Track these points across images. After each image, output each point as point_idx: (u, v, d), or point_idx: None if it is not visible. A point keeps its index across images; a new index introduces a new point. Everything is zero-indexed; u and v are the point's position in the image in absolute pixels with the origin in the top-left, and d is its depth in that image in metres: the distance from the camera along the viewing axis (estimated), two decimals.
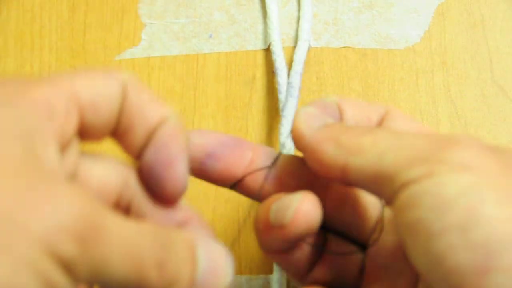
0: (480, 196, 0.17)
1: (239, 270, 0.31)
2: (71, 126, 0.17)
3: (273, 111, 0.33)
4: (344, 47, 0.34)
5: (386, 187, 0.19)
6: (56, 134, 0.17)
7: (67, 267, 0.14)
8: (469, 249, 0.16)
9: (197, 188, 0.32)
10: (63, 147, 0.17)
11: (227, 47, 0.35)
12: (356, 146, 0.20)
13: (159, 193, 0.20)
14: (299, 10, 0.35)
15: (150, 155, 0.19)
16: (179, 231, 0.19)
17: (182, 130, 0.20)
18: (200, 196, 0.32)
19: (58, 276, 0.14)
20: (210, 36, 0.35)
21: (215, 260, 0.19)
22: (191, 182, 0.33)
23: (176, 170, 0.20)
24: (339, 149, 0.21)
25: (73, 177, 0.18)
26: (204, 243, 0.19)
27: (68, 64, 0.35)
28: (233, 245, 0.31)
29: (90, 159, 0.19)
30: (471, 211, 0.17)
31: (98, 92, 0.18)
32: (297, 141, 0.23)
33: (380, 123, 0.23)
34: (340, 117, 0.23)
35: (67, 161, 0.18)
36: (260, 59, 0.34)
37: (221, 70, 0.34)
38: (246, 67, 0.34)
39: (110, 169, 0.20)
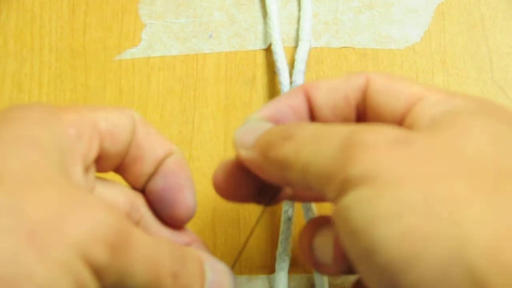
0: (372, 216, 0.16)
1: (239, 270, 0.31)
2: (94, 150, 0.19)
3: None
4: (344, 47, 0.34)
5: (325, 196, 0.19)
6: (82, 156, 0.19)
7: (98, 272, 0.16)
8: (375, 275, 0.16)
9: (197, 188, 0.32)
10: (86, 170, 0.19)
11: (227, 47, 0.35)
12: (282, 160, 0.19)
13: (169, 216, 0.22)
14: (299, 10, 0.35)
15: (159, 182, 0.22)
16: (189, 248, 0.21)
17: (186, 162, 0.23)
18: (200, 196, 0.32)
19: (89, 279, 0.15)
20: (210, 36, 0.35)
21: (220, 275, 0.21)
22: None
23: (186, 196, 0.22)
24: (271, 166, 0.20)
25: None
26: (210, 260, 0.21)
27: (68, 64, 0.35)
28: (233, 245, 0.31)
29: (101, 183, 0.21)
30: (368, 237, 0.16)
31: (115, 123, 0.20)
32: (241, 162, 0.23)
33: (363, 99, 0.22)
34: (309, 108, 0.23)
35: (87, 183, 0.20)
36: (260, 59, 0.34)
37: (221, 70, 0.34)
38: (246, 67, 0.34)
39: (119, 192, 0.22)
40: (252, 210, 0.31)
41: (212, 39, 0.35)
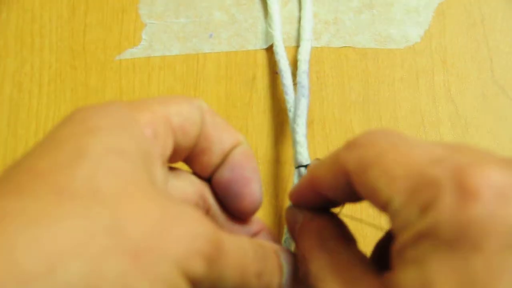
0: None
1: None
2: (169, 147, 0.19)
3: (273, 110, 0.33)
4: (344, 46, 0.34)
5: None
6: (160, 155, 0.19)
7: (195, 283, 0.16)
8: None
9: None
10: (163, 167, 0.19)
11: (227, 47, 0.35)
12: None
13: (236, 208, 0.22)
14: (299, 9, 0.35)
15: (226, 174, 0.22)
16: (267, 243, 0.21)
17: (252, 153, 0.23)
18: None
19: None
20: (210, 36, 0.35)
21: (294, 265, 0.21)
22: None
23: (253, 188, 0.22)
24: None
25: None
26: (283, 251, 0.21)
27: (68, 64, 0.35)
28: None
29: (172, 174, 0.21)
30: None
31: (186, 117, 0.20)
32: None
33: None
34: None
35: (165, 180, 0.20)
36: (260, 59, 0.34)
37: (221, 70, 0.34)
38: (246, 67, 0.34)
39: (188, 182, 0.22)
40: None
41: (212, 39, 0.35)
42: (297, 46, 0.34)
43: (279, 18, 0.34)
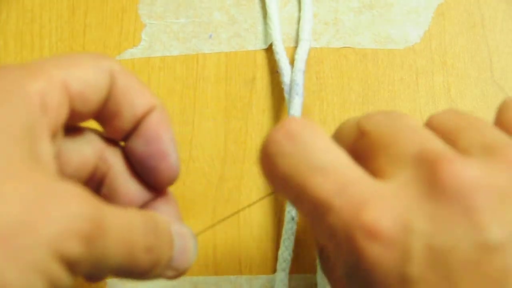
0: None
1: (239, 270, 0.31)
2: (63, 117, 0.18)
3: (273, 111, 0.33)
4: (344, 47, 0.34)
5: None
6: (50, 127, 0.17)
7: (73, 266, 0.15)
8: None
9: (197, 188, 0.32)
10: (54, 136, 0.18)
11: (227, 47, 0.35)
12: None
13: (151, 180, 0.21)
14: (299, 10, 0.35)
15: (141, 147, 0.21)
16: (158, 216, 0.20)
17: (168, 119, 0.21)
18: (200, 196, 0.32)
19: (63, 275, 0.15)
20: (210, 36, 0.35)
21: (185, 240, 0.20)
22: (191, 182, 0.33)
23: (169, 161, 0.21)
24: None
25: (57, 157, 0.19)
26: (177, 225, 0.20)
27: None
28: (233, 245, 0.31)
29: (69, 137, 0.20)
30: None
31: (88, 83, 0.19)
32: None
33: None
34: None
35: (54, 148, 0.18)
36: (260, 59, 0.34)
37: (221, 70, 0.34)
38: (246, 67, 0.34)
39: (86, 143, 0.21)
40: (252, 211, 0.32)
41: (212, 39, 0.35)
42: (296, 47, 0.34)
43: (277, 18, 0.34)
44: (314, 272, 0.29)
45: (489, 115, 0.32)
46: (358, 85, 0.33)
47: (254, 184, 0.32)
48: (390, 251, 0.15)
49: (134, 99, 0.20)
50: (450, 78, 0.33)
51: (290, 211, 0.29)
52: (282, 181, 0.18)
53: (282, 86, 0.32)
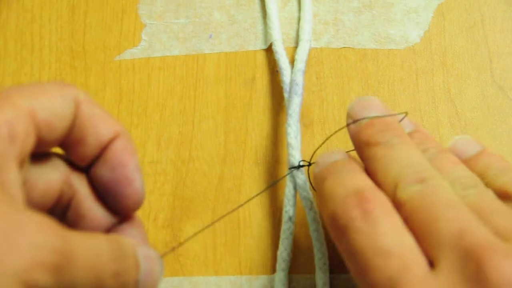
0: None
1: (239, 270, 0.31)
2: (29, 146, 0.18)
3: (273, 111, 0.33)
4: (344, 47, 0.34)
5: None
6: (17, 156, 0.18)
7: None
8: None
9: (197, 188, 0.32)
10: (21, 165, 0.18)
11: (227, 47, 0.35)
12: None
13: (117, 206, 0.22)
14: (299, 10, 0.35)
15: (106, 174, 0.21)
16: (124, 239, 0.20)
17: (134, 146, 0.22)
18: (200, 196, 0.32)
19: None
20: (210, 36, 0.35)
21: (151, 262, 0.21)
22: (191, 183, 0.33)
23: (135, 187, 0.21)
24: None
25: (23, 184, 0.19)
26: (141, 247, 0.20)
27: (68, 64, 0.35)
28: (233, 245, 0.31)
29: (35, 163, 0.20)
30: None
31: (54, 112, 0.19)
32: None
33: None
34: None
35: (21, 175, 0.19)
36: (260, 59, 0.34)
37: (221, 70, 0.34)
38: (246, 67, 0.34)
39: (53, 169, 0.21)
40: (252, 211, 0.32)
41: (212, 39, 0.35)
42: (296, 47, 0.34)
43: (277, 18, 0.34)
44: (313, 272, 0.29)
45: (489, 115, 0.32)
46: (358, 85, 0.33)
47: (254, 184, 0.32)
48: None
49: (99, 127, 0.21)
50: (450, 78, 0.33)
51: (288, 211, 0.29)
52: (349, 254, 0.20)
53: (282, 85, 0.32)
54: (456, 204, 0.19)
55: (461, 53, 0.34)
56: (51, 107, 0.19)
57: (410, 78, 0.33)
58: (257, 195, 0.32)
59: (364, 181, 0.21)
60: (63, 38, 0.36)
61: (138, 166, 0.21)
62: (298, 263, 0.30)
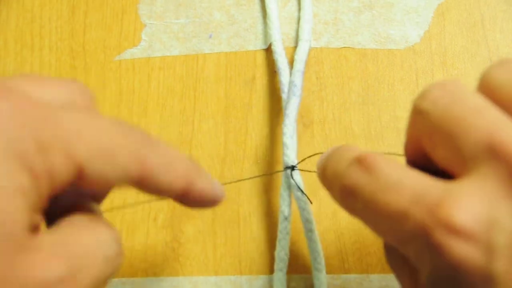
0: None
1: (239, 270, 0.31)
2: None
3: (273, 111, 0.33)
4: (344, 47, 0.34)
5: None
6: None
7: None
8: None
9: None
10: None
11: (227, 47, 0.35)
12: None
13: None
14: (299, 10, 0.35)
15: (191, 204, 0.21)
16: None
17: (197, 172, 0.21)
18: None
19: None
20: (210, 36, 0.35)
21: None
22: None
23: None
24: None
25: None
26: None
27: (68, 64, 0.35)
28: (233, 245, 0.31)
29: None
30: None
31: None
32: None
33: None
34: None
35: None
36: (260, 59, 0.34)
37: (221, 70, 0.34)
38: (246, 67, 0.34)
39: None
40: (252, 211, 0.32)
41: (212, 39, 0.35)
42: (296, 47, 0.33)
43: (277, 18, 0.34)
44: (311, 272, 0.29)
45: None
46: (358, 85, 0.33)
47: (254, 184, 0.32)
48: (473, 246, 0.15)
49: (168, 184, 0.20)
50: (450, 78, 0.33)
51: (283, 211, 0.29)
52: (362, 211, 0.19)
53: (279, 85, 0.32)
54: (484, 107, 0.17)
55: (461, 53, 0.34)
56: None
57: (410, 78, 0.33)
58: (248, 178, 0.32)
59: (361, 150, 0.20)
60: (63, 38, 0.36)
61: (207, 179, 0.21)
62: (298, 263, 0.30)
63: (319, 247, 0.29)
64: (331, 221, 0.31)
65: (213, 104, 0.34)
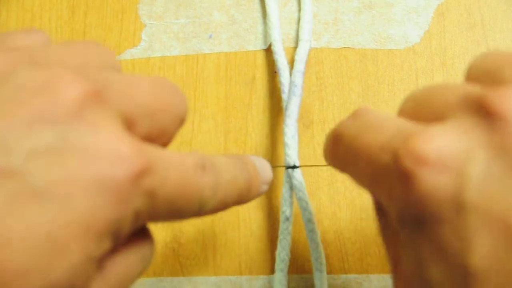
0: None
1: (239, 270, 0.31)
2: None
3: (273, 111, 0.33)
4: (344, 47, 0.34)
5: None
6: None
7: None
8: None
9: None
10: None
11: (227, 47, 0.35)
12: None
13: None
14: (299, 10, 0.35)
15: None
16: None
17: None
18: None
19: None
20: (210, 37, 0.35)
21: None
22: None
23: None
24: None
25: None
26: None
27: None
28: (233, 247, 0.31)
29: None
30: None
31: None
32: None
33: None
34: None
35: None
36: (260, 59, 0.34)
37: (221, 71, 0.34)
38: (246, 68, 0.34)
39: None
40: (252, 212, 0.32)
41: (212, 39, 0.35)
42: (296, 47, 0.33)
43: (277, 18, 0.34)
44: (312, 272, 0.29)
45: None
46: (358, 85, 0.33)
47: None
48: (443, 175, 0.15)
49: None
50: (450, 78, 0.33)
51: (285, 212, 0.29)
52: (344, 156, 0.19)
53: (279, 86, 0.32)
54: (456, 84, 0.18)
55: (461, 53, 0.34)
56: None
57: (410, 78, 0.33)
58: None
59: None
60: (63, 38, 0.36)
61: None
62: (298, 263, 0.30)
63: (321, 247, 0.29)
64: (331, 221, 0.31)
65: (213, 104, 0.34)
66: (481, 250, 0.14)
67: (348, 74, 0.34)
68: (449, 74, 0.33)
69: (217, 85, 0.34)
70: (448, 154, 0.15)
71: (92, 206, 0.13)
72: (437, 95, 0.17)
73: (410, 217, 0.16)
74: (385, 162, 0.16)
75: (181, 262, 0.31)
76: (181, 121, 0.18)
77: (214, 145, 0.33)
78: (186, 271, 0.31)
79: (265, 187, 0.23)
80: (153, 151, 0.15)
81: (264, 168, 0.23)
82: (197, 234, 0.31)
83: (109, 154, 0.14)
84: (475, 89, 0.16)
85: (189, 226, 0.32)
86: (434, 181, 0.15)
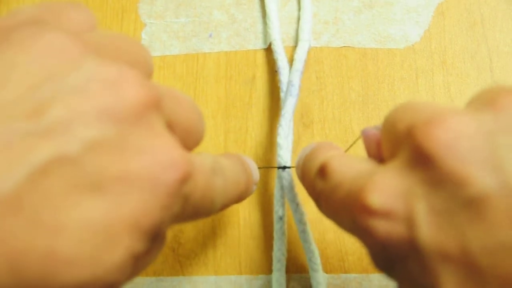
0: None
1: (239, 270, 0.31)
2: None
3: (273, 110, 0.33)
4: (344, 46, 0.34)
5: None
6: None
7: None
8: None
9: None
10: None
11: (227, 46, 0.35)
12: None
13: None
14: (299, 9, 0.35)
15: None
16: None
17: None
18: None
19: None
20: (210, 36, 0.35)
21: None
22: None
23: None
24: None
25: None
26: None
27: None
28: (233, 246, 0.31)
29: None
30: None
31: None
32: None
33: None
34: None
35: None
36: (260, 58, 0.34)
37: (221, 70, 0.34)
38: (246, 67, 0.34)
39: None
40: (251, 211, 0.32)
41: (212, 38, 0.35)
42: (296, 46, 0.33)
43: (276, 17, 0.34)
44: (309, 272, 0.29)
45: None
46: (358, 84, 0.33)
47: None
48: (393, 222, 0.16)
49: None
50: (450, 78, 0.33)
51: (277, 211, 0.29)
52: (328, 214, 0.21)
53: (279, 85, 0.32)
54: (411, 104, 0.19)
55: (461, 52, 0.34)
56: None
57: (410, 77, 0.33)
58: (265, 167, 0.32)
59: (326, 155, 0.22)
60: None
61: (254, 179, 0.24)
62: (297, 262, 0.30)
63: (313, 247, 0.28)
64: (331, 221, 0.31)
65: (213, 103, 0.34)
66: (449, 286, 0.15)
67: (348, 73, 0.34)
68: (449, 73, 0.33)
69: (217, 84, 0.34)
70: (393, 199, 0.16)
71: (144, 205, 0.13)
72: (400, 121, 0.18)
73: (378, 258, 0.17)
74: (350, 220, 0.18)
75: (181, 262, 0.31)
76: (200, 142, 0.19)
77: (214, 144, 0.33)
78: (186, 270, 0.31)
79: (255, 187, 0.24)
80: (192, 158, 0.16)
81: (255, 169, 0.24)
82: (197, 234, 0.31)
83: (164, 159, 0.14)
84: (416, 122, 0.17)
85: (189, 226, 0.32)
86: (386, 229, 0.16)
